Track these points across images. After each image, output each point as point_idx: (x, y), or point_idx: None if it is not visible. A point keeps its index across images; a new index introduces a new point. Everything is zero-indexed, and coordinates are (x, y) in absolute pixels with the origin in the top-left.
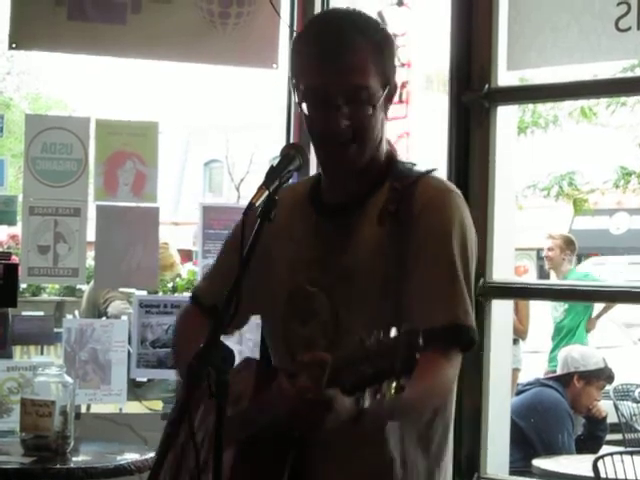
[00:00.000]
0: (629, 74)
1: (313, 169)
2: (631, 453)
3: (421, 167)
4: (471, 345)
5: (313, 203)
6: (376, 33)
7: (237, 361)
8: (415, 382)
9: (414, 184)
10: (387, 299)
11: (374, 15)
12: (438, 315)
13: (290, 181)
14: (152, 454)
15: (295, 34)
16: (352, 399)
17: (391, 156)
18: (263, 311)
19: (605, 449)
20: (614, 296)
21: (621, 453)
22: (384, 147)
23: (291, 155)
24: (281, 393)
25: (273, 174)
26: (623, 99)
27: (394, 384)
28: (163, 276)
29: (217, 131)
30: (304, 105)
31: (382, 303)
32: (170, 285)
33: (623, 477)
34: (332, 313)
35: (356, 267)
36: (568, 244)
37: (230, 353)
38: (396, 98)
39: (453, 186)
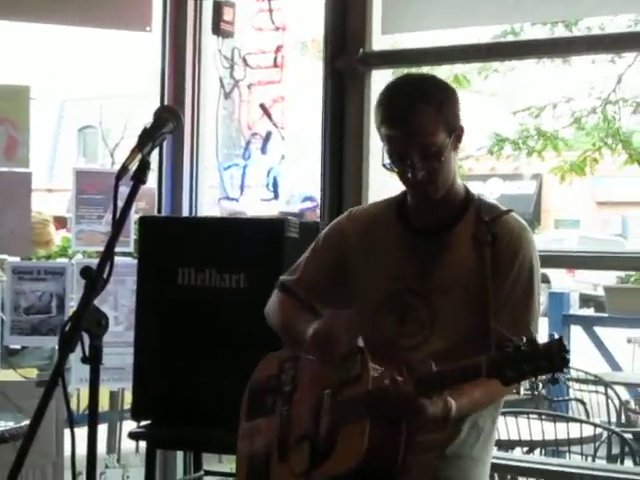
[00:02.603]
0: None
1: (188, 132)
2: (504, 414)
3: (498, 203)
4: None
5: (403, 224)
6: (437, 95)
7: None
8: (485, 389)
9: (499, 219)
10: (471, 310)
11: None
12: (520, 329)
13: (164, 144)
14: (27, 422)
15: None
16: (441, 408)
17: (467, 189)
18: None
19: None
20: None
21: None
22: (458, 180)
23: (164, 118)
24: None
25: (146, 137)
26: (496, 66)
27: (549, 377)
28: (37, 252)
29: (91, 97)
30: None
31: (468, 312)
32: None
33: (496, 437)
34: (430, 316)
35: (452, 281)
36: None
37: (104, 318)
38: (270, 62)
39: (522, 220)
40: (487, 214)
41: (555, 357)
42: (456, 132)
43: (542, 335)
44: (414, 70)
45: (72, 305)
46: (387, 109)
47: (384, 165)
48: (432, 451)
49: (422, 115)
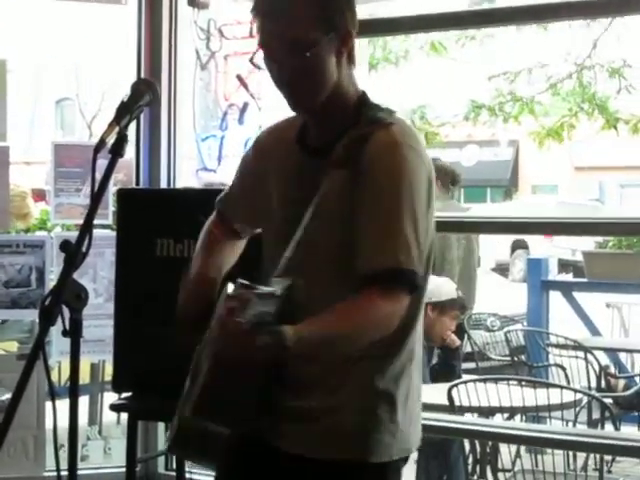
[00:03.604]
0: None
1: (165, 104)
2: (484, 380)
3: (391, 114)
4: (414, 288)
5: (298, 143)
6: None
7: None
8: (342, 315)
9: (371, 133)
10: (343, 238)
11: None
12: (380, 257)
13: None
14: (8, 395)
15: None
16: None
17: (362, 101)
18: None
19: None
20: (457, 226)
21: (474, 381)
22: (350, 91)
23: (141, 90)
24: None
25: (123, 110)
26: (472, 33)
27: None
28: (16, 226)
29: (68, 69)
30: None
31: (339, 242)
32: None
33: (477, 404)
34: (306, 245)
35: (322, 207)
36: None
37: (84, 291)
38: (246, 33)
39: (410, 136)
40: (362, 129)
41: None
42: (340, 33)
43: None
44: (389, 39)
45: (52, 278)
46: None
47: (250, 60)
48: (308, 420)
49: (293, 6)
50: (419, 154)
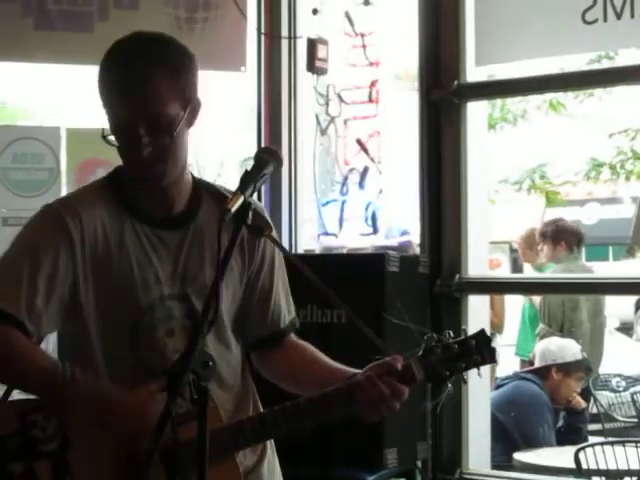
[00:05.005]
0: (596, 66)
1: (285, 169)
2: (612, 443)
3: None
4: None
5: (135, 217)
6: (172, 59)
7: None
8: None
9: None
10: (233, 308)
11: (341, 15)
12: (291, 312)
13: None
14: None
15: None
16: None
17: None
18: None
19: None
20: (579, 288)
21: (602, 444)
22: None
23: (265, 159)
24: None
25: (248, 179)
26: (591, 90)
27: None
28: None
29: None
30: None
31: (230, 311)
32: None
33: (605, 467)
34: (192, 324)
35: (231, 278)
36: (527, 239)
37: (211, 359)
38: (365, 97)
39: None
40: (222, 199)
41: (484, 349)
42: (192, 105)
43: None
44: (508, 101)
45: None
46: (114, 71)
47: (104, 137)
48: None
49: (154, 80)
50: None
